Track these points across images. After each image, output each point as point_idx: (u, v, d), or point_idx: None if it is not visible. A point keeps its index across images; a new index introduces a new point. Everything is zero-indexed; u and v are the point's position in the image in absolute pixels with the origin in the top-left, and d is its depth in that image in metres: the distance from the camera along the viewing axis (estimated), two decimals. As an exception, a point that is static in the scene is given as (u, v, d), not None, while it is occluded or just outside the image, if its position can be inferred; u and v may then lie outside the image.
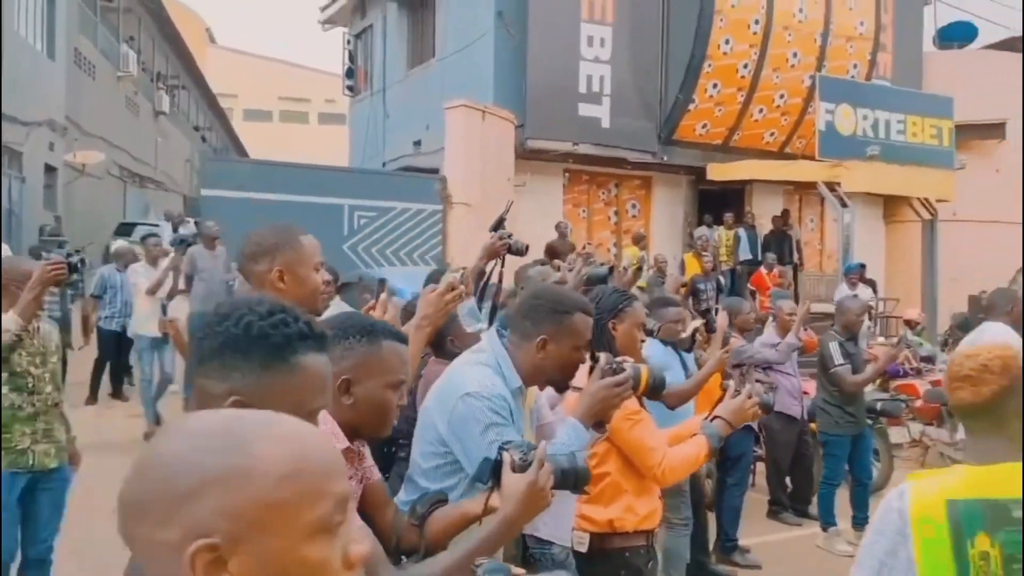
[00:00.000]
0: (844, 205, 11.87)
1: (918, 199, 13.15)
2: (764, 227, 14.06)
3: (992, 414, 1.73)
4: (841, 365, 5.63)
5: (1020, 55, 16.68)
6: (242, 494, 0.74)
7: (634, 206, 14.61)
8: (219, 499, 0.73)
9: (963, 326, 11.89)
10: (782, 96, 13.85)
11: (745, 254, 13.55)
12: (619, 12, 13.04)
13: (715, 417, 2.70)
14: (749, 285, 12.21)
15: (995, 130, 15.61)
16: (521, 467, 1.64)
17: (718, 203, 14.42)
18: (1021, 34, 15.94)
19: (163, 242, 8.57)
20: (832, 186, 11.97)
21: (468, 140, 11.58)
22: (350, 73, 17.92)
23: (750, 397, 2.72)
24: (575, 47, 12.81)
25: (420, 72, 15.33)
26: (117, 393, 9.03)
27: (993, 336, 4.09)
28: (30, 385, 3.44)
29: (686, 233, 14.45)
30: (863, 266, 11.93)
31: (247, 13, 78.29)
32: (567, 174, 13.85)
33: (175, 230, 11.46)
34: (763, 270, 11.94)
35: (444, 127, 13.65)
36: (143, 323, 7.53)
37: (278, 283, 2.18)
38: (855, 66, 14.22)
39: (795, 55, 13.69)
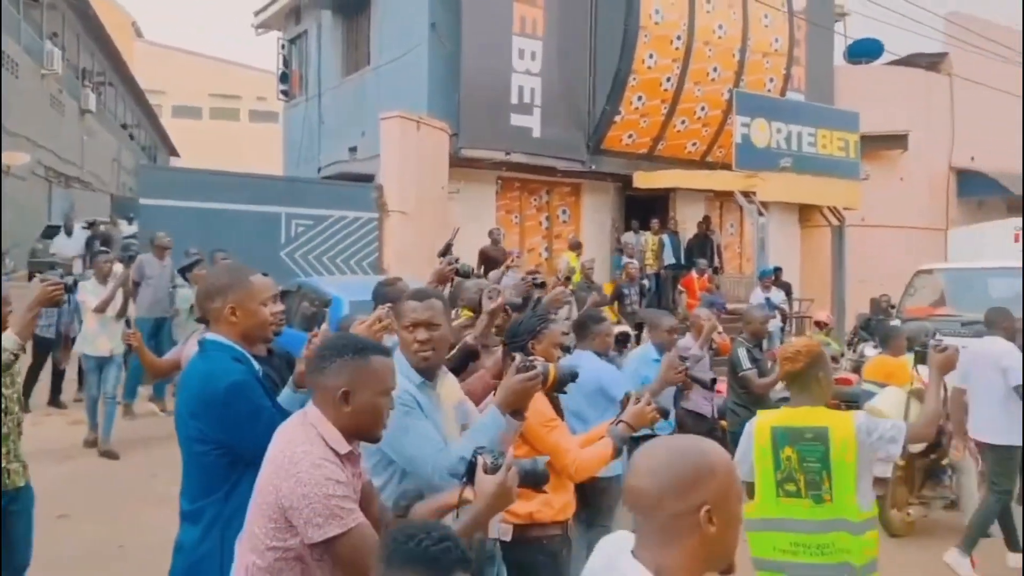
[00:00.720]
0: (760, 214, 12.63)
1: (827, 207, 14.03)
2: (689, 232, 14.79)
3: (800, 379, 3.08)
4: (748, 369, 6.21)
5: (922, 71, 17.87)
6: (715, 480, 1.42)
7: (564, 212, 15.18)
8: (708, 483, 1.41)
9: (865, 326, 12.80)
10: (703, 108, 14.58)
11: (669, 259, 14.25)
12: (549, 26, 13.55)
13: (620, 422, 3.19)
14: (680, 287, 12.85)
15: (899, 141, 16.68)
16: (492, 469, 2.06)
17: (644, 209, 15.08)
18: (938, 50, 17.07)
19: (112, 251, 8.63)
20: (748, 195, 12.71)
21: (404, 149, 11.93)
22: (284, 78, 18.03)
23: (649, 404, 3.21)
24: (507, 59, 13.28)
25: (355, 79, 15.60)
26: (55, 401, 9.14)
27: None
28: (3, 405, 3.57)
29: (614, 238, 15.09)
30: (778, 270, 12.73)
31: (174, 6, 76.43)
32: (499, 181, 14.33)
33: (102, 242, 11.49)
34: (694, 274, 12.59)
35: (380, 135, 14.04)
36: (90, 342, 7.53)
37: (231, 318, 2.56)
38: (771, 80, 15.05)
39: (715, 69, 14.43)
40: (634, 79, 13.79)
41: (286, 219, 11.25)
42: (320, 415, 2.03)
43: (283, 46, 18.03)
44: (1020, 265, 10.83)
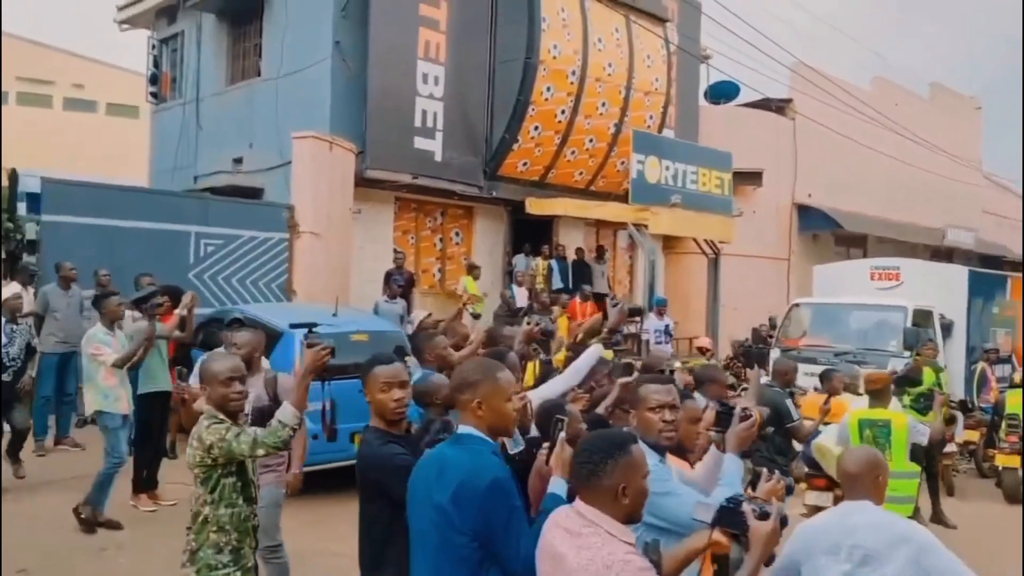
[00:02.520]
0: (649, 245, 13.53)
1: (704, 240, 15.19)
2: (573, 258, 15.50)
3: (879, 392, 6.37)
4: (797, 420, 6.47)
5: (772, 113, 19.67)
6: None
7: (458, 234, 15.43)
8: None
9: (746, 353, 14.04)
10: (591, 140, 15.35)
11: (557, 283, 14.90)
12: (451, 53, 13.78)
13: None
14: (565, 312, 13.43)
15: (754, 177, 18.28)
16: (763, 515, 2.36)
17: (530, 234, 15.64)
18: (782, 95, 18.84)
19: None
20: (640, 227, 13.57)
21: (316, 170, 11.77)
22: (154, 79, 17.05)
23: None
24: (412, 83, 13.38)
25: (243, 89, 15.08)
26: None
27: None
28: (253, 493, 3.69)
29: (505, 261, 15.54)
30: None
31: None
32: (397, 202, 14.37)
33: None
34: (578, 299, 13.23)
35: (270, 147, 13.70)
36: (113, 400, 6.61)
37: (478, 411, 2.69)
38: (651, 117, 16.07)
39: (604, 105, 15.24)
40: (532, 109, 14.30)
41: (195, 238, 10.79)
42: (599, 512, 2.25)
43: (154, 46, 17.06)
44: (876, 301, 12.35)
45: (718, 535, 2.44)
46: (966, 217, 25.26)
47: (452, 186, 14.09)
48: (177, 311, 7.54)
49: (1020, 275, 13.50)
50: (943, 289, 12.43)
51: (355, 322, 8.16)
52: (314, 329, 3.62)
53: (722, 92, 19.72)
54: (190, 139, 15.95)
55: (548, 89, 14.40)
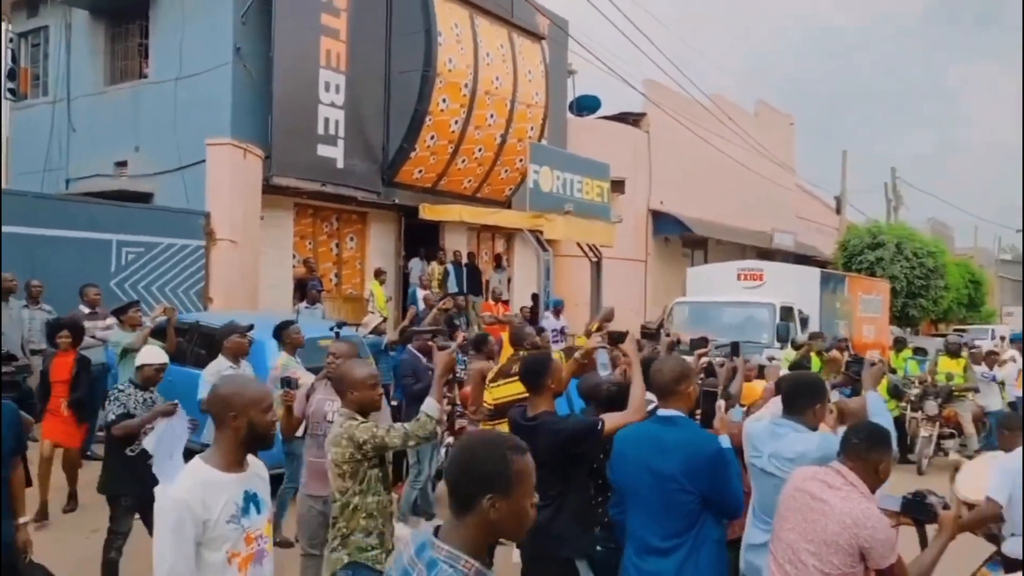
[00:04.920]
0: (544, 249, 14.49)
1: (588, 244, 16.35)
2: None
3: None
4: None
5: (630, 126, 21.27)
6: None
7: (352, 239, 15.70)
8: None
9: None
10: (480, 150, 16.12)
11: (453, 287, 15.55)
12: (352, 62, 14.08)
13: None
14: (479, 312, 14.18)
15: (618, 185, 19.74)
16: (945, 507, 3.23)
17: (418, 239, 16.20)
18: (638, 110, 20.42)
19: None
20: (536, 233, 14.51)
21: (232, 177, 11.77)
22: (12, 75, 15.98)
23: None
24: (315, 91, 13.57)
25: (125, 90, 14.57)
26: None
27: None
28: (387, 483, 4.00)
29: (397, 265, 15.98)
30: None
31: None
32: (296, 208, 14.46)
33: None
34: (490, 301, 13.99)
35: (161, 150, 13.41)
36: None
37: (686, 394, 3.54)
38: (532, 128, 17.06)
39: (492, 116, 16.05)
40: (429, 120, 14.87)
41: (117, 246, 10.52)
42: (857, 477, 3.07)
43: (11, 39, 15.99)
44: (744, 299, 13.97)
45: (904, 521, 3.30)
46: (785, 221, 28.27)
47: (353, 192, 14.38)
48: (148, 323, 7.61)
49: (856, 275, 15.66)
50: (799, 287, 14.25)
51: (319, 328, 8.47)
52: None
53: (586, 105, 21.09)
54: (61, 140, 15.17)
55: (444, 100, 15.02)
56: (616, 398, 4.67)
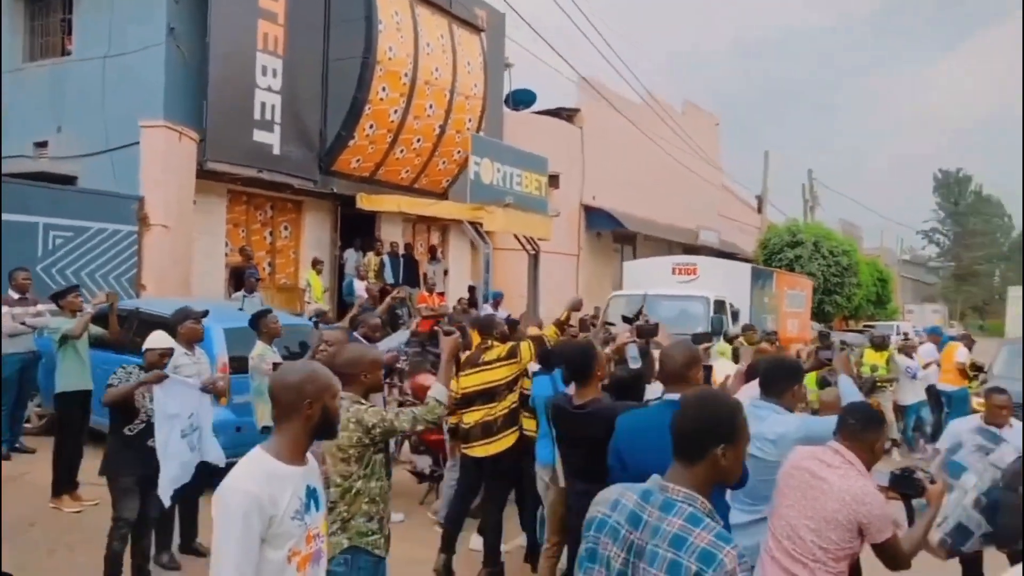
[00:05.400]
0: (485, 242, 14.49)
1: (526, 237, 16.41)
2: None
3: None
4: None
5: (564, 121, 21.43)
6: None
7: (287, 228, 15.36)
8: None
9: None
10: (419, 140, 15.99)
11: (389, 279, 15.40)
12: (290, 47, 13.76)
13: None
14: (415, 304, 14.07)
15: (554, 180, 19.88)
16: (931, 481, 3.38)
17: (352, 230, 15.97)
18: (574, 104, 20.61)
19: None
20: (476, 225, 14.49)
21: (166, 161, 11.37)
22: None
23: None
24: (251, 75, 13.22)
25: (46, 68, 13.92)
26: None
27: None
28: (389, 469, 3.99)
29: (333, 255, 15.71)
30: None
31: None
32: (229, 194, 14.07)
33: None
34: (425, 292, 13.91)
35: (86, 131, 12.87)
36: None
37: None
38: (470, 120, 17.01)
39: (431, 107, 15.94)
40: (368, 108, 14.66)
41: (44, 230, 10.04)
42: (854, 456, 3.20)
43: (-82, 10, 15.01)
44: (679, 293, 14.28)
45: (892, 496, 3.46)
46: (709, 219, 28.99)
47: (290, 180, 14.08)
48: (89, 309, 7.32)
49: (783, 271, 16.18)
50: (731, 282, 14.66)
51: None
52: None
53: (521, 99, 21.15)
54: (-26, 118, 14.34)
55: (384, 89, 14.84)
56: (628, 385, 4.75)
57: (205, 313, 6.31)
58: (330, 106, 14.64)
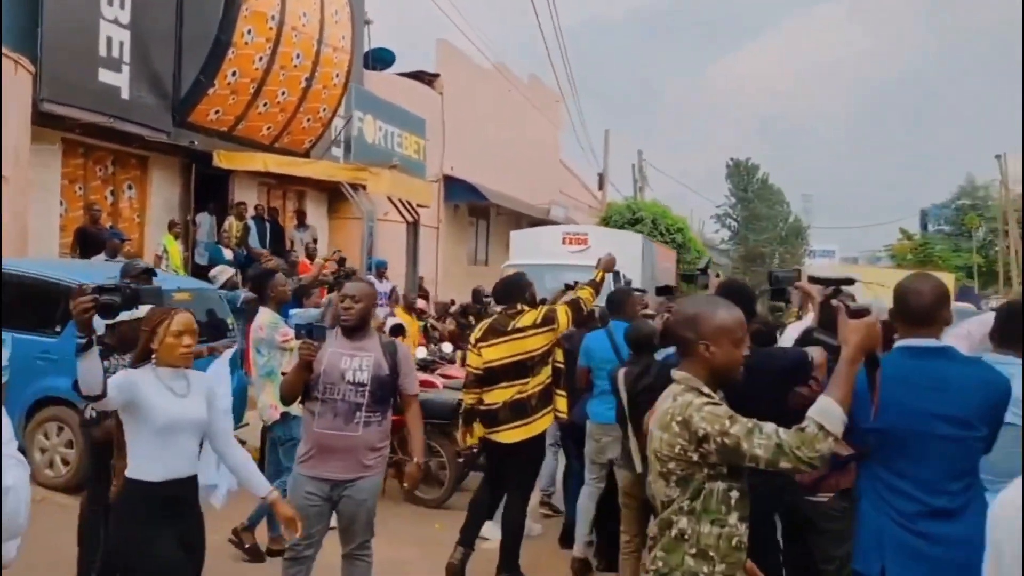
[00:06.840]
0: (369, 205, 13.22)
1: (404, 203, 15.18)
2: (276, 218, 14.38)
3: None
4: None
5: (426, 86, 20.36)
6: None
7: (131, 187, 13.26)
8: None
9: (463, 313, 14.52)
10: (284, 93, 14.35)
11: (255, 245, 13.76)
12: (139, -28, 11.79)
13: None
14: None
15: (416, 146, 18.78)
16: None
17: (202, 192, 14.10)
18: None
19: None
20: (357, 187, 13.15)
21: (5, 95, 9.20)
22: None
23: None
24: (95, 3, 11.16)
25: None
26: None
27: None
28: None
29: (185, 219, 13.76)
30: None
31: None
32: (64, 144, 11.87)
33: None
34: (306, 260, 12.50)
35: None
36: None
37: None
38: (337, 75, 15.52)
39: (298, 56, 14.34)
40: (232, 52, 12.91)
41: None
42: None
43: None
44: (572, 263, 13.80)
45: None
46: (553, 195, 28.91)
47: (139, 130, 12.10)
48: None
49: (659, 242, 16.15)
50: (622, 252, 14.27)
51: (175, 280, 6.86)
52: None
53: (380, 58, 19.75)
54: None
55: (249, 32, 13.12)
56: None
57: (148, 270, 5.00)
58: (185, 46, 12.74)
